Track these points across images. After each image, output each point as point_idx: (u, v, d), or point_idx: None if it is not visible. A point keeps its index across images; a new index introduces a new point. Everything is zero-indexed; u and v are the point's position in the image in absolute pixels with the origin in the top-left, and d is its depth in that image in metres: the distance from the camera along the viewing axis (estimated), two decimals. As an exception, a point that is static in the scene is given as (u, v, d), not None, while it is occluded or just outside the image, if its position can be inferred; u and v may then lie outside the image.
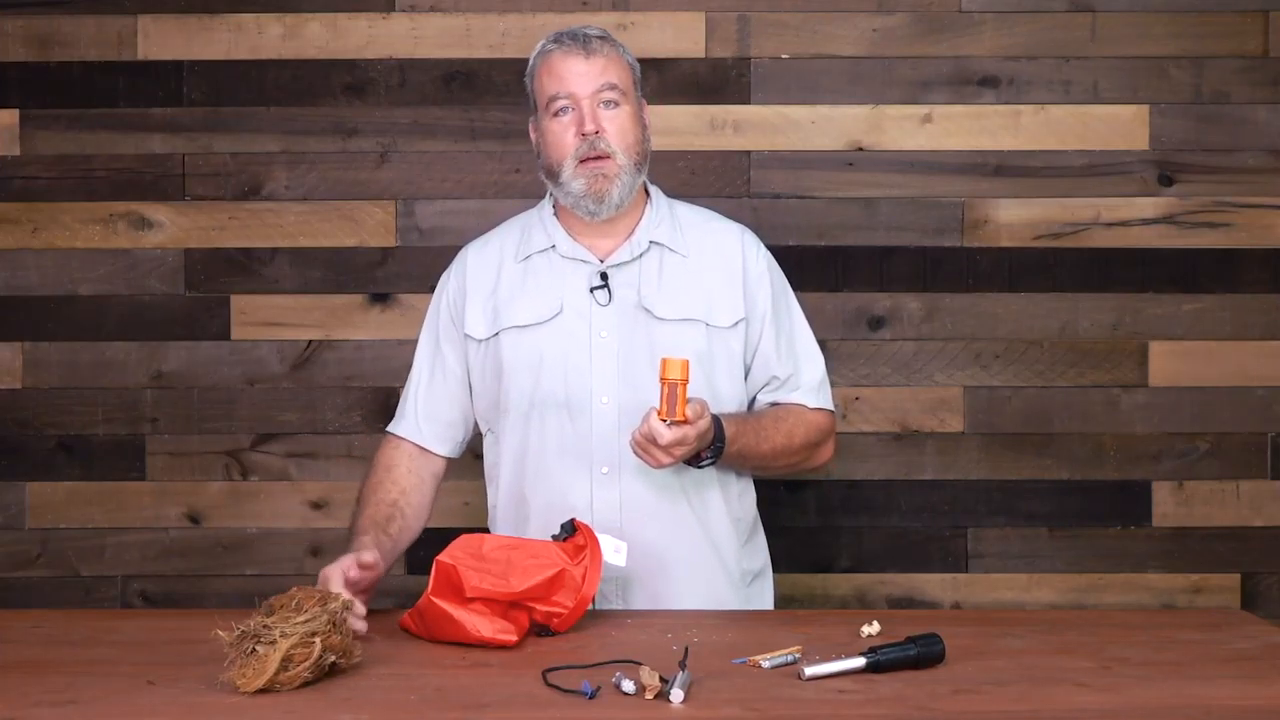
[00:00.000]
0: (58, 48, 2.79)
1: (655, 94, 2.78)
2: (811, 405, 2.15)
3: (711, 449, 1.97)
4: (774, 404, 2.15)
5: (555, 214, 2.14)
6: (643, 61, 2.75)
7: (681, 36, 2.79)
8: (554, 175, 2.07)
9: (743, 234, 2.18)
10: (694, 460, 1.97)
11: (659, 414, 1.86)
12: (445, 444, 2.17)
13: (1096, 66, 2.79)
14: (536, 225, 2.15)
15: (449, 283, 2.18)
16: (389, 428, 2.19)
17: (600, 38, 2.09)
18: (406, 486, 2.11)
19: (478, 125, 2.80)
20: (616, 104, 2.06)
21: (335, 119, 2.80)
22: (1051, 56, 2.79)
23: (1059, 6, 2.79)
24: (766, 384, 2.14)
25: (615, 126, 2.05)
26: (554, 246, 2.12)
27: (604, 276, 2.09)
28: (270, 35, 2.79)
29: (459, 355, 2.16)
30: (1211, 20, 2.78)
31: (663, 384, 1.86)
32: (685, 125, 2.78)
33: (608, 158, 2.03)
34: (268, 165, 2.80)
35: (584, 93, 2.04)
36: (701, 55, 2.78)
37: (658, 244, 2.12)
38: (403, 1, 2.79)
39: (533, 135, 2.14)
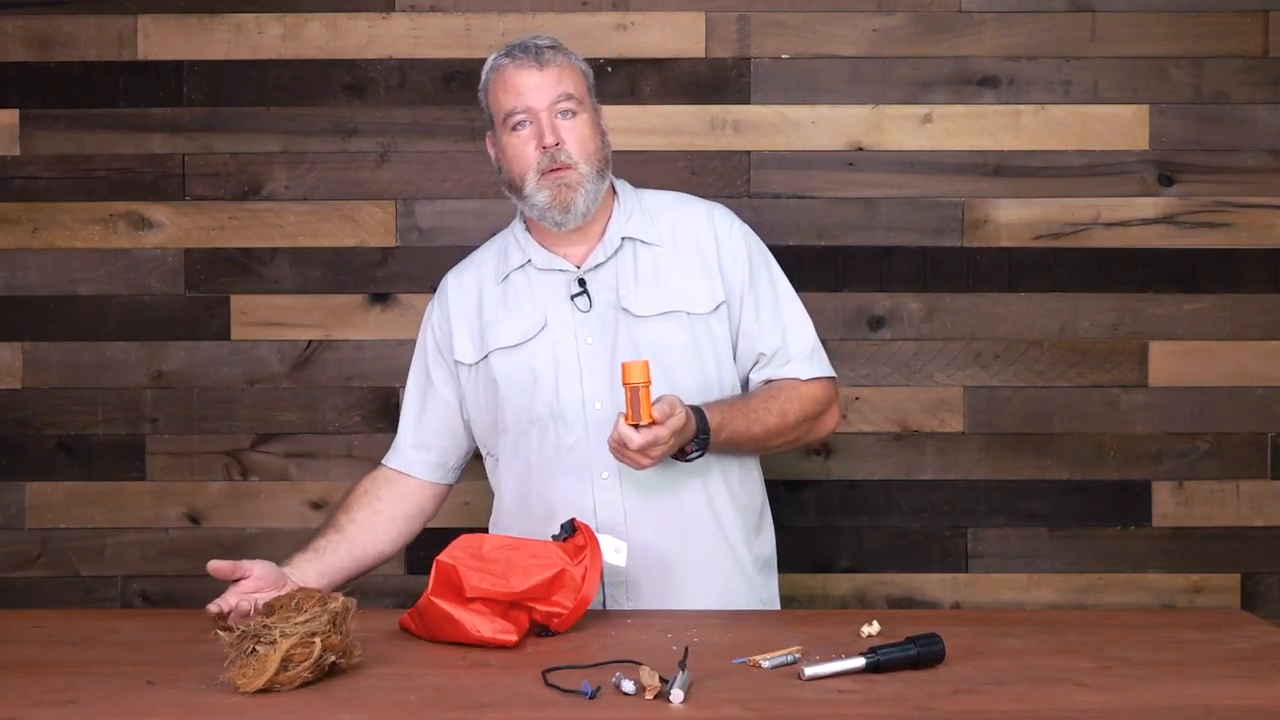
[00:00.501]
0: (58, 48, 2.79)
1: (655, 94, 2.78)
2: (805, 377, 2.12)
3: (696, 441, 1.96)
4: (768, 382, 2.12)
5: (527, 228, 2.15)
6: (643, 61, 2.77)
7: (681, 36, 2.79)
8: (517, 190, 2.07)
9: (711, 212, 2.16)
10: (681, 455, 1.97)
11: (626, 419, 1.86)
12: (437, 471, 2.17)
13: (1096, 66, 2.79)
14: (512, 243, 2.16)
15: (433, 313, 2.19)
16: (383, 460, 2.20)
17: (551, 47, 2.08)
18: (353, 507, 2.12)
19: (478, 125, 2.79)
20: (574, 113, 2.05)
21: (335, 119, 2.80)
22: (1051, 56, 2.79)
23: (1059, 6, 2.79)
24: (755, 362, 2.12)
25: (574, 136, 2.04)
26: (530, 261, 2.12)
27: (582, 283, 2.09)
28: (270, 35, 2.79)
29: (450, 383, 2.16)
30: (1211, 20, 2.78)
31: (625, 388, 1.85)
32: (685, 125, 2.78)
33: (569, 168, 2.03)
34: (268, 165, 2.80)
35: (540, 105, 2.03)
36: (701, 55, 2.78)
37: (630, 239, 2.11)
38: (403, 1, 2.79)
39: (491, 151, 2.14)
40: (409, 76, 2.80)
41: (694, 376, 2.05)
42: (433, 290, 2.25)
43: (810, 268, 2.74)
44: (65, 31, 2.79)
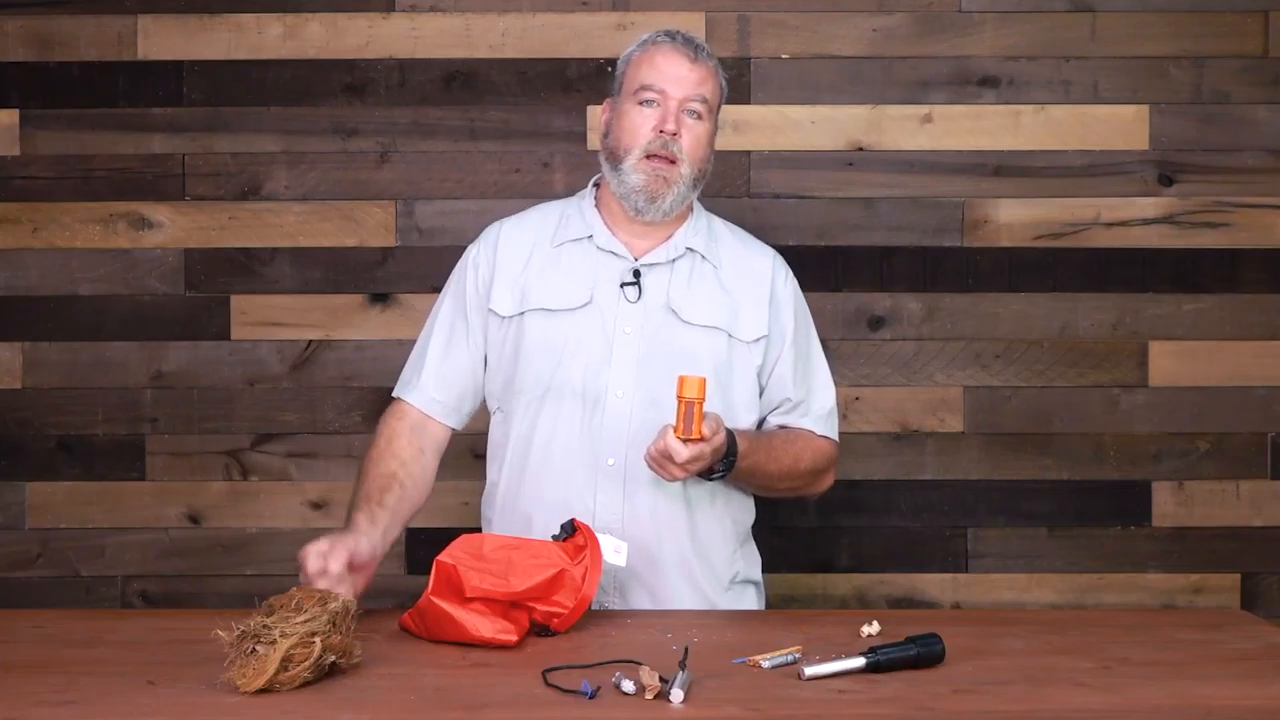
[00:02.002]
0: (58, 48, 2.79)
1: (655, 94, 2.78)
2: (819, 432, 2.17)
3: (724, 462, 1.98)
4: (783, 427, 2.16)
5: (596, 205, 2.16)
6: (643, 61, 2.76)
7: (681, 36, 2.79)
8: (616, 159, 2.09)
9: (775, 258, 2.21)
10: (706, 473, 1.99)
11: (675, 431, 1.87)
12: (453, 416, 2.16)
13: (1096, 66, 2.79)
14: (575, 214, 2.17)
15: (479, 256, 2.17)
16: (396, 392, 2.17)
17: (708, 52, 2.11)
18: (406, 458, 2.09)
19: (478, 125, 2.80)
20: (700, 117, 2.08)
21: (335, 119, 2.80)
22: (1051, 56, 2.79)
23: (1059, 6, 2.79)
24: (779, 406, 2.16)
25: (691, 137, 2.07)
26: (591, 237, 2.13)
27: (636, 274, 2.09)
28: (270, 35, 2.79)
29: (480, 329, 2.15)
30: (1211, 20, 2.78)
31: (680, 402, 1.87)
32: (685, 125, 2.78)
33: (675, 163, 2.05)
34: (268, 165, 2.80)
35: (676, 94, 2.06)
36: (701, 55, 2.78)
37: (693, 251, 2.14)
38: (403, 1, 2.79)
39: (605, 115, 2.15)
40: (409, 76, 2.80)
41: (717, 396, 2.05)
42: (435, 290, 2.24)
43: (810, 268, 2.73)
44: (65, 31, 2.78)
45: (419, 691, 1.55)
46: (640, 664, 1.57)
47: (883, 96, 2.79)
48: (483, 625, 1.74)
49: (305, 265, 2.80)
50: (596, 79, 2.75)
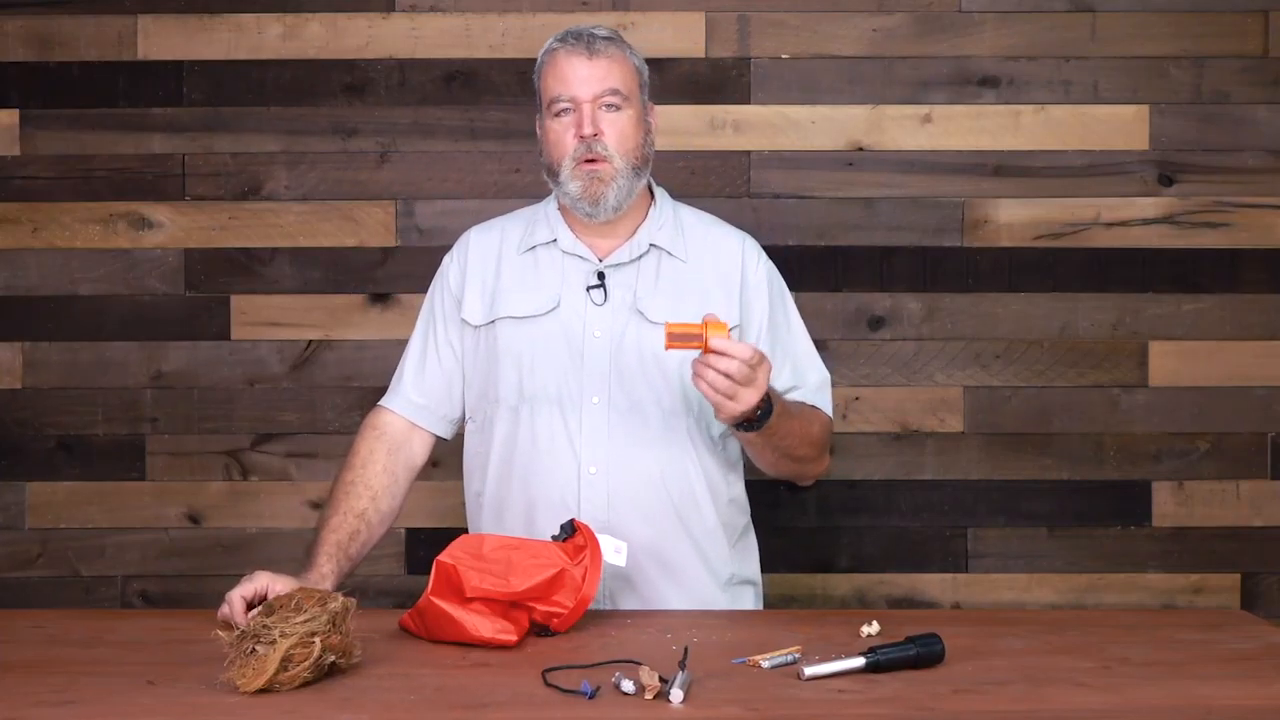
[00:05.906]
0: (58, 48, 2.79)
1: (655, 94, 2.75)
2: (811, 402, 2.12)
3: (761, 408, 1.88)
4: None
5: (560, 209, 2.15)
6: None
7: (681, 36, 2.79)
8: (553, 174, 2.08)
9: (744, 241, 2.17)
10: (748, 423, 1.89)
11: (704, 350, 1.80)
12: (439, 423, 2.15)
13: (1096, 66, 2.79)
14: (541, 219, 2.16)
15: (450, 266, 2.18)
16: (382, 401, 2.16)
17: (606, 39, 2.07)
18: (378, 489, 2.06)
19: (478, 125, 2.80)
20: (618, 108, 2.05)
21: (335, 119, 2.80)
22: (1051, 56, 2.79)
23: (1059, 6, 2.79)
24: None
25: (615, 130, 2.04)
26: (555, 241, 2.12)
27: (600, 276, 2.09)
28: (270, 35, 2.79)
29: (455, 340, 2.15)
30: (1211, 20, 2.78)
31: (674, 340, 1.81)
32: (685, 125, 2.78)
33: (605, 161, 2.03)
34: (268, 165, 2.80)
35: (585, 96, 2.03)
36: (701, 55, 2.78)
37: (657, 247, 2.11)
38: (403, 1, 2.79)
39: (538, 132, 2.14)
40: (409, 76, 2.80)
41: (693, 392, 2.03)
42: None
43: (810, 268, 2.74)
44: (65, 31, 2.78)
45: (419, 691, 1.55)
46: (640, 664, 1.57)
47: (883, 96, 2.79)
48: (483, 625, 1.74)
49: (305, 265, 2.80)
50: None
